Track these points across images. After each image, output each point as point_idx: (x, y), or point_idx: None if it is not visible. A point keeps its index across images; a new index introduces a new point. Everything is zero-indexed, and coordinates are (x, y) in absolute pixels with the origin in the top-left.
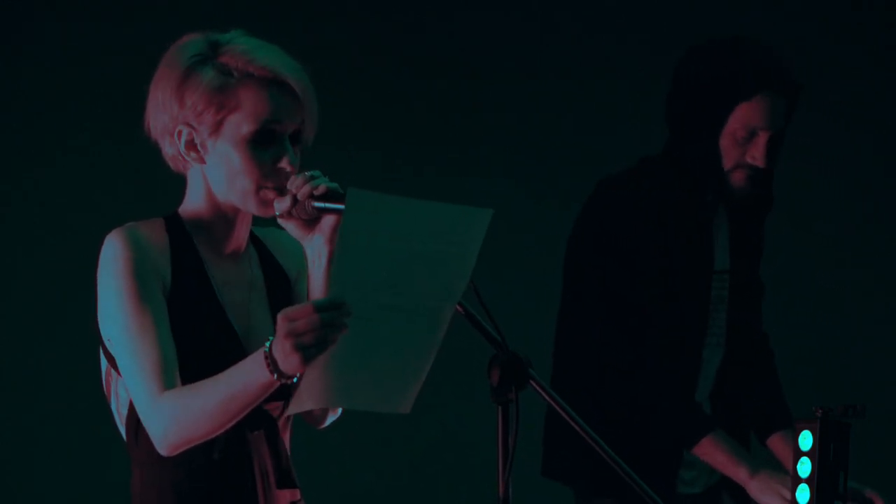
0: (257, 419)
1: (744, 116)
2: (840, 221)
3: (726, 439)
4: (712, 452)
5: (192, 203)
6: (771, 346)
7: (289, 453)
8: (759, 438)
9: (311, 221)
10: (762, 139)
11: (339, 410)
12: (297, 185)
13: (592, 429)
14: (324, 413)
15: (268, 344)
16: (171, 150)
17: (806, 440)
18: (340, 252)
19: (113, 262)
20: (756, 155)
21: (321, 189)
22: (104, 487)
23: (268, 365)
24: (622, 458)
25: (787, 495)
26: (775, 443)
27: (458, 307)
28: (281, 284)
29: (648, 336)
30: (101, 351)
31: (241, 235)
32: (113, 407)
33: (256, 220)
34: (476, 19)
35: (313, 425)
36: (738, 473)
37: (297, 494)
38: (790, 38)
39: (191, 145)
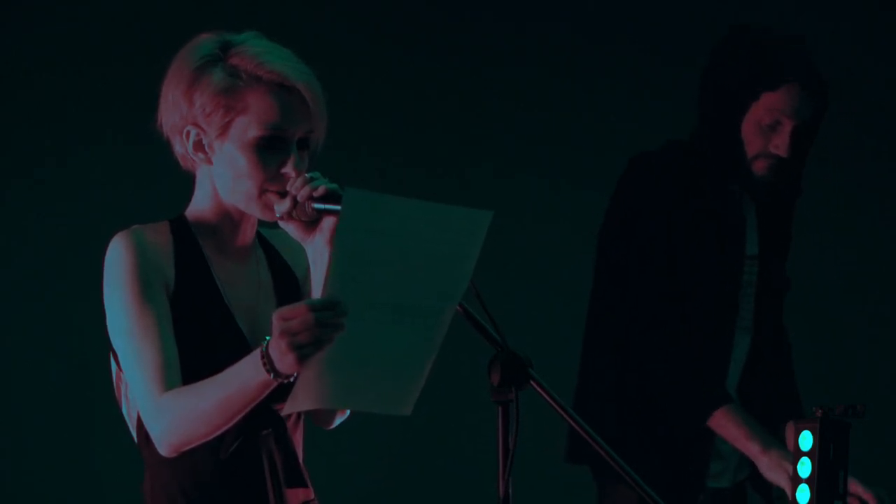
0: (266, 419)
1: (769, 103)
2: (840, 221)
3: (741, 413)
4: (726, 425)
5: (199, 203)
6: (790, 339)
7: (300, 453)
8: (771, 428)
9: (312, 223)
10: (786, 128)
11: (348, 411)
12: (297, 186)
13: (625, 418)
14: (331, 414)
15: (265, 343)
16: (180, 149)
17: (806, 440)
18: (337, 252)
19: (116, 264)
20: (779, 144)
21: (321, 190)
22: (117, 490)
23: (264, 364)
24: (651, 447)
25: None
26: (785, 431)
27: (457, 307)
28: (289, 285)
29: (667, 320)
30: (111, 355)
31: (247, 236)
32: (124, 410)
33: (264, 222)
34: (492, 12)
35: (322, 426)
36: (750, 447)
37: (311, 494)
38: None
39: (198, 146)
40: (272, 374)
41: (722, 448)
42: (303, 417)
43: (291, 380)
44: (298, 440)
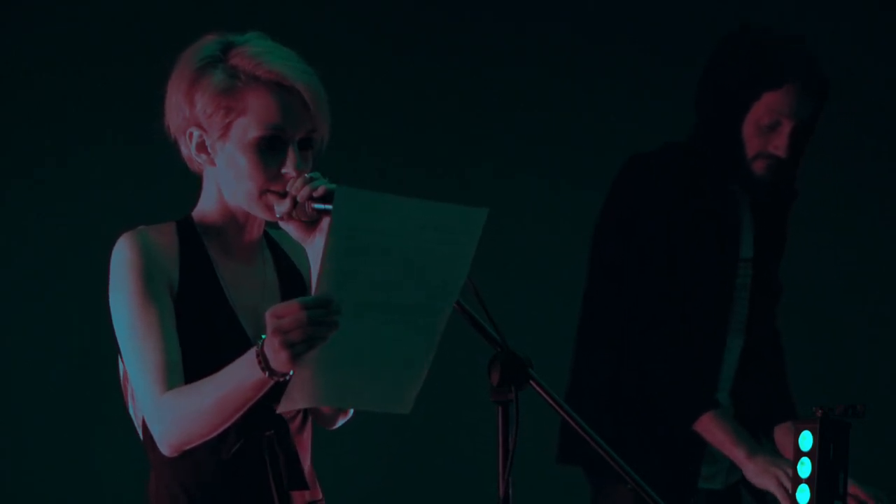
0: (269, 420)
1: (769, 104)
2: (840, 221)
3: (728, 418)
4: (712, 430)
5: (205, 205)
6: (782, 343)
7: (304, 454)
8: (764, 430)
9: (312, 223)
10: (786, 129)
11: (351, 411)
12: (297, 187)
13: (619, 417)
14: (334, 414)
15: (260, 342)
16: (185, 150)
17: (806, 440)
18: (330, 250)
19: (120, 264)
20: (779, 144)
21: (320, 191)
22: (117, 490)
23: (259, 363)
24: (645, 447)
25: (784, 479)
26: (777, 433)
27: (456, 306)
28: (296, 286)
29: (666, 320)
30: (118, 355)
31: (252, 237)
32: (131, 410)
33: (272, 223)
34: (492, 10)
35: (324, 426)
36: (736, 453)
37: (318, 494)
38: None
39: (201, 147)
40: (267, 373)
41: (715, 450)
42: (310, 419)
43: (287, 378)
44: (306, 442)
